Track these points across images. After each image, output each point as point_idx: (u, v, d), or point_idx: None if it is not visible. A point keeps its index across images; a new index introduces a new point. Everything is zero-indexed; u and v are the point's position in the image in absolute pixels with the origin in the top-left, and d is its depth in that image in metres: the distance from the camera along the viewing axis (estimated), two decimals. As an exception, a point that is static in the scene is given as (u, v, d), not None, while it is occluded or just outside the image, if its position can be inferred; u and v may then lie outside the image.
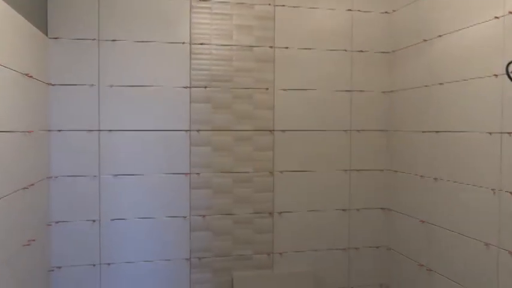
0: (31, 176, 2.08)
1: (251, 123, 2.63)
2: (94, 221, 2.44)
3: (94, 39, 2.42)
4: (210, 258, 2.60)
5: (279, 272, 2.67)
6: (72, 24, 2.39)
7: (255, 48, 2.62)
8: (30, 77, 2.04)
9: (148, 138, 2.50)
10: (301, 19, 2.67)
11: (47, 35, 2.35)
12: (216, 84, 2.58)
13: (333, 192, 2.75)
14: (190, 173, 2.56)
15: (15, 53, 1.87)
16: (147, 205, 2.51)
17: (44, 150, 2.30)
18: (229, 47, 2.59)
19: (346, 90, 2.75)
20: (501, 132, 1.89)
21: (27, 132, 2.01)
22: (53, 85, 2.38)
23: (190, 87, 2.54)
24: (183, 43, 2.52)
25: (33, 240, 2.08)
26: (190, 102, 2.55)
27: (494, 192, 1.93)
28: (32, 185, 2.08)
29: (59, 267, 2.41)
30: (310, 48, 2.69)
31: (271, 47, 2.64)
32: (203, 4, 2.55)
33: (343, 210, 2.77)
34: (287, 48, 2.66)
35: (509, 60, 1.79)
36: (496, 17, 1.91)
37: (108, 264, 2.47)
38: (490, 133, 1.95)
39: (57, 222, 2.40)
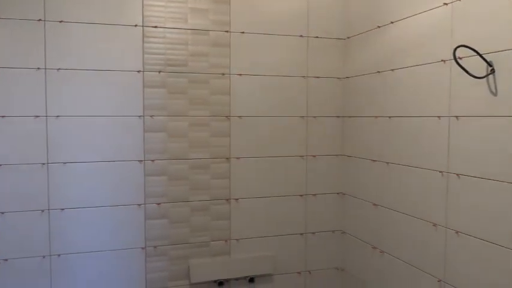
0: (-29, 163, 1.96)
1: (207, 109, 2.59)
2: (43, 211, 2.34)
3: (40, 19, 2.29)
4: (166, 247, 2.56)
5: (236, 258, 2.67)
6: (16, 4, 2.25)
7: (210, 32, 2.57)
8: (-32, 58, 1.91)
9: (99, 124, 2.41)
10: (257, 4, 2.65)
11: (-14, 14, 2.21)
12: (171, 69, 2.52)
13: (290, 178, 2.77)
14: (144, 160, 2.49)
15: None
16: (99, 194, 2.43)
17: (-15, 136, 2.17)
18: (184, 31, 2.53)
19: (302, 76, 2.76)
20: (449, 116, 1.95)
21: (-34, 117, 1.88)
22: (-6, 68, 2.24)
23: (143, 71, 2.47)
24: (136, 26, 2.44)
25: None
26: (143, 87, 2.47)
27: (442, 174, 2.00)
28: (-28, 173, 1.96)
29: (5, 260, 2.30)
30: (267, 34, 2.67)
31: (227, 31, 2.60)
32: (156, -14, 2.47)
33: (300, 195, 2.79)
34: (243, 33, 2.63)
35: (457, 45, 1.84)
36: (445, 3, 1.97)
37: (59, 255, 2.37)
38: (439, 117, 2.01)
39: (2, 213, 2.28)
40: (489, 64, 1.73)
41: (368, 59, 2.57)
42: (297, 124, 2.76)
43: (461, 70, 1.76)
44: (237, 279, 2.69)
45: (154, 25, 2.47)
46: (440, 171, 2.01)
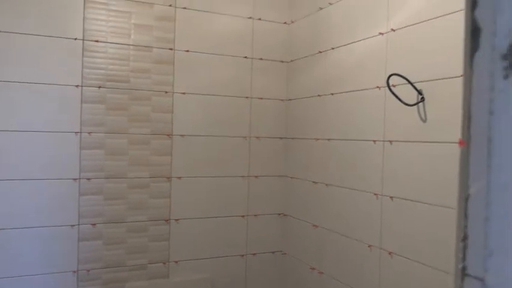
0: None
1: (149, 127, 2.54)
2: (-38, 231, 2.16)
3: (-31, 27, 2.16)
4: (100, 270, 2.44)
5: (175, 281, 2.59)
6: None
7: (154, 49, 2.54)
8: None
9: (33, 139, 2.28)
10: (202, 23, 2.65)
11: None
12: (112, 85, 2.45)
13: (232, 199, 2.75)
14: (79, 178, 2.39)
15: None
16: (31, 213, 2.28)
17: None
18: (126, 46, 2.48)
19: (246, 97, 2.78)
20: (383, 141, 2.03)
21: None
22: None
23: (82, 86, 2.38)
24: (75, 39, 2.36)
25: None
26: (81, 102, 2.38)
27: (377, 197, 2.06)
28: None
29: None
30: (211, 53, 2.68)
31: (171, 49, 2.58)
32: (99, -1, 2.41)
33: (241, 216, 2.77)
34: (187, 51, 2.62)
35: (390, 73, 1.94)
36: (381, 33, 2.06)
37: (-21, 280, 2.20)
38: (374, 141, 2.09)
39: None
40: (419, 92, 1.83)
41: (310, 82, 2.63)
42: (239, 144, 2.76)
43: (395, 97, 1.85)
44: (175, 302, 2.61)
45: (95, 39, 2.40)
46: (375, 194, 2.07)
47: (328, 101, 2.45)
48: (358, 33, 2.22)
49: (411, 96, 1.86)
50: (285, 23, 2.88)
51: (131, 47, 2.49)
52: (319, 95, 2.52)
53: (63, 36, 2.34)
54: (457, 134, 1.64)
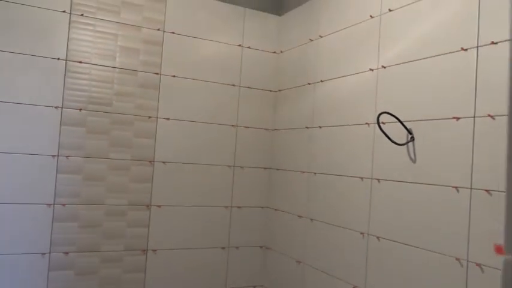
0: None
1: (130, 152, 2.45)
2: None
3: None
4: (69, 301, 2.30)
5: (149, 315, 2.47)
6: None
7: (140, 72, 2.47)
8: None
9: (8, 161, 2.17)
10: (191, 49, 2.61)
11: None
12: (93, 107, 2.36)
13: (213, 229, 2.66)
14: (54, 204, 2.27)
15: None
16: (1, 238, 2.16)
17: None
18: (111, 69, 2.41)
19: (232, 125, 2.72)
20: (371, 178, 1.99)
21: None
22: None
23: (62, 107, 2.29)
24: (58, 59, 2.28)
25: None
26: (60, 124, 2.29)
27: (363, 236, 2.00)
28: None
29: None
30: (199, 79, 2.62)
31: (157, 73, 2.52)
32: (85, 20, 2.35)
33: (222, 248, 2.67)
34: (174, 76, 2.56)
35: (381, 111, 1.91)
36: (371, 69, 2.04)
37: None
38: (362, 178, 2.04)
39: None
40: (409, 132, 1.80)
41: (297, 113, 2.59)
42: (223, 173, 2.69)
43: (385, 136, 1.81)
44: (148, 338, 2.48)
45: (79, 60, 2.33)
46: (361, 233, 2.01)
47: (315, 134, 2.40)
48: (348, 67, 2.19)
49: (401, 135, 1.83)
50: (274, 52, 2.85)
51: (116, 69, 2.42)
52: (306, 127, 2.48)
53: (46, 56, 2.26)
54: (447, 177, 1.61)
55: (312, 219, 2.37)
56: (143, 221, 2.47)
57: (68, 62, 2.31)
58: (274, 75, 2.85)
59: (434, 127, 1.70)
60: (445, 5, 1.69)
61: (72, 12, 2.31)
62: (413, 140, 1.78)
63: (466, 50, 1.60)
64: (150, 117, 2.49)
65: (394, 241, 1.83)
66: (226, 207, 2.69)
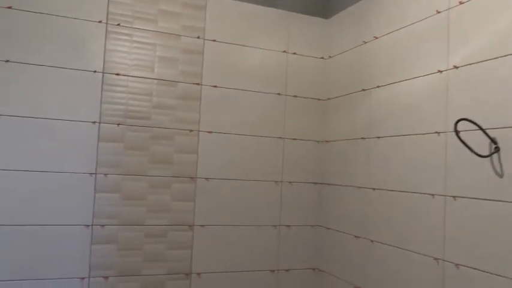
0: None
1: (170, 169, 2.28)
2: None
3: (-20, 57, 1.98)
4: (109, 330, 2.14)
5: None
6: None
7: (179, 83, 2.32)
8: None
9: (45, 180, 2.05)
10: (233, 57, 2.43)
11: None
12: (132, 122, 2.22)
13: (261, 250, 2.45)
14: (92, 225, 2.13)
15: None
16: (35, 264, 2.03)
17: None
18: (150, 81, 2.26)
19: (279, 137, 2.51)
20: (445, 195, 1.72)
21: None
22: None
23: (99, 122, 2.16)
24: (95, 72, 2.16)
25: None
26: (98, 140, 2.15)
27: (437, 262, 1.73)
28: None
29: None
30: (242, 89, 2.44)
31: (197, 84, 2.35)
32: (122, 30, 2.22)
33: (271, 271, 2.46)
34: (215, 86, 2.39)
35: (454, 118, 1.65)
36: (440, 71, 1.79)
37: None
38: (433, 195, 1.78)
39: None
40: (493, 141, 1.53)
41: (351, 123, 2.36)
42: (270, 189, 2.48)
43: (458, 145, 1.55)
44: None
45: (116, 72, 2.20)
46: (435, 259, 1.74)
47: (373, 145, 2.16)
48: (411, 70, 1.95)
49: (480, 145, 1.57)
50: (321, 57, 2.64)
51: (154, 81, 2.27)
52: (362, 138, 2.24)
53: (81, 69, 2.14)
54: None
55: (372, 241, 2.11)
56: (186, 242, 2.29)
57: (104, 74, 2.18)
58: (323, 83, 2.63)
59: (525, 135, 1.43)
60: (535, -9, 1.44)
61: (108, 22, 2.19)
62: (499, 150, 1.52)
63: None
64: (191, 130, 2.33)
65: (477, 269, 1.56)
66: (274, 226, 2.48)
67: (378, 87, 2.15)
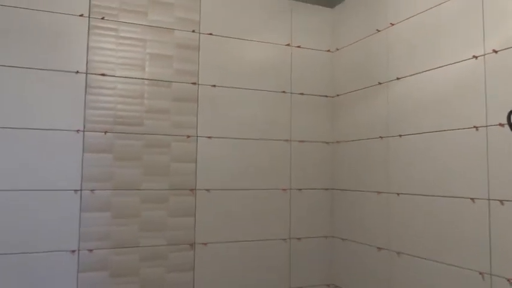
0: None
1: (166, 181, 2.02)
2: None
3: None
4: None
5: None
6: None
7: (174, 84, 2.06)
8: None
9: (23, 200, 1.77)
10: (232, 52, 2.19)
11: None
12: (121, 129, 1.95)
13: (270, 268, 2.19)
14: (78, 250, 1.85)
15: None
16: (11, 297, 1.74)
17: None
18: (140, 81, 2.00)
19: (285, 140, 2.27)
20: (488, 199, 1.50)
21: None
22: None
23: (84, 131, 1.89)
24: (77, 72, 1.89)
25: None
26: (83, 151, 1.88)
27: (483, 277, 1.50)
28: None
29: None
30: (243, 88, 2.19)
31: (194, 83, 2.10)
32: (107, 24, 1.96)
33: (281, 289, 2.20)
34: (214, 86, 2.14)
35: (495, 109, 1.43)
36: (475, 56, 1.57)
37: None
38: (473, 199, 1.55)
39: None
40: (551, 134, 1.31)
41: (364, 121, 2.13)
42: (278, 198, 2.23)
43: (504, 140, 1.33)
44: None
45: (101, 72, 1.93)
46: (480, 273, 1.51)
47: (394, 144, 1.93)
48: (437, 58, 1.72)
49: (535, 139, 1.35)
50: (328, 50, 2.41)
51: (146, 81, 2.01)
52: (380, 137, 2.01)
53: (61, 69, 1.86)
54: None
55: (398, 253, 1.87)
56: (187, 264, 2.03)
57: (88, 75, 1.91)
58: (330, 78, 2.40)
59: None
60: None
61: (91, 16, 1.92)
62: (558, 145, 1.30)
63: None
64: (188, 136, 2.07)
65: (537, 285, 1.33)
66: (284, 239, 2.23)
67: (398, 79, 1.92)
